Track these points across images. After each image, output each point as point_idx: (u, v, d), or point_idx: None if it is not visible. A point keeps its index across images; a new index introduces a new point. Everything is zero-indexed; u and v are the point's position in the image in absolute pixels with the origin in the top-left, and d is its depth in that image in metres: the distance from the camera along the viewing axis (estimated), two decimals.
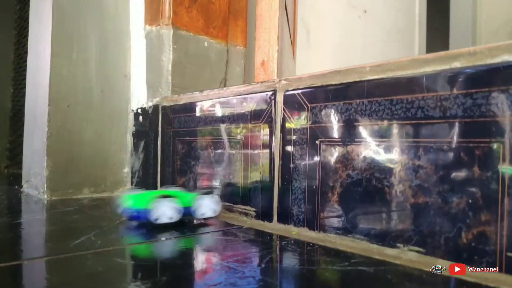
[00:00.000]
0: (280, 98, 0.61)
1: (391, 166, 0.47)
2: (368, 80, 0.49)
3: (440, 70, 0.42)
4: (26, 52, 1.07)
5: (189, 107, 0.80)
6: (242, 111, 0.68)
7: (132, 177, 0.98)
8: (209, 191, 0.66)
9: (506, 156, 0.37)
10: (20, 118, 1.51)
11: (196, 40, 0.96)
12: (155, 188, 0.89)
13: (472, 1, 1.82)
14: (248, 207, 0.66)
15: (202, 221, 0.64)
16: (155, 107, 0.91)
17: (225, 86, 1.02)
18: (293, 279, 0.39)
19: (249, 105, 0.66)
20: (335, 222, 0.52)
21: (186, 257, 0.47)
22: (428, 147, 0.43)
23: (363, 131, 0.50)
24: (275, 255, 0.48)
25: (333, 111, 0.53)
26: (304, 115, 0.57)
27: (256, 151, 0.65)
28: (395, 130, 0.46)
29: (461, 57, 0.41)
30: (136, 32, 0.99)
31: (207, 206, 0.62)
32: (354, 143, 0.51)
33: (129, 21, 1.01)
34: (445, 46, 1.97)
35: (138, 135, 0.96)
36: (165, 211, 0.58)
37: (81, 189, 0.91)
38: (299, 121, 0.58)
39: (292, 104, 0.59)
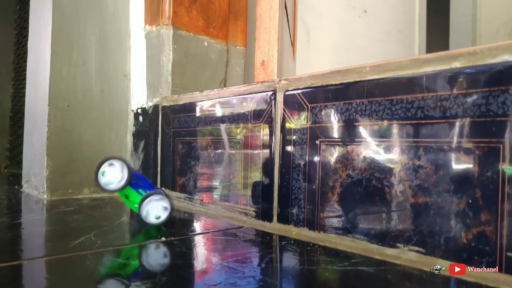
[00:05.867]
0: (280, 98, 0.61)
1: (391, 166, 0.47)
2: (368, 80, 0.49)
3: (440, 70, 0.42)
4: (26, 52, 1.07)
5: (189, 107, 0.80)
6: (242, 111, 0.68)
7: None
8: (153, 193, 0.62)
9: (506, 156, 0.37)
10: (20, 118, 1.51)
11: (196, 40, 0.96)
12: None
13: (472, 1, 1.82)
14: (248, 207, 0.66)
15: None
16: (155, 107, 0.91)
17: (225, 86, 1.02)
18: (293, 279, 0.39)
19: (249, 105, 0.66)
20: (335, 222, 0.52)
21: (186, 257, 0.47)
22: (428, 147, 0.43)
23: (363, 131, 0.50)
24: (275, 255, 0.48)
25: (333, 111, 0.53)
26: (304, 115, 0.57)
27: (256, 151, 0.65)
28: (395, 130, 0.46)
29: (461, 57, 0.41)
30: (136, 32, 0.99)
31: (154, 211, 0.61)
32: (354, 143, 0.51)
33: (129, 21, 1.01)
34: (445, 46, 1.97)
35: (138, 135, 0.97)
36: None
37: (81, 189, 0.91)
38: (299, 121, 0.58)
39: (292, 104, 0.59)
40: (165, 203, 0.61)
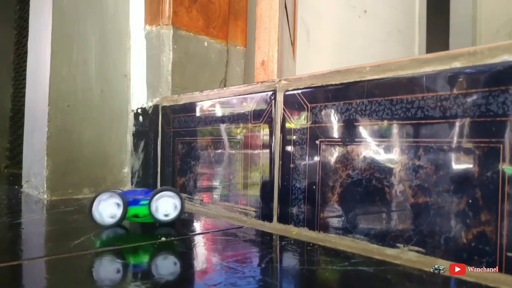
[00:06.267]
0: (280, 98, 0.61)
1: (391, 166, 0.47)
2: (368, 80, 0.49)
3: (440, 70, 0.42)
4: (26, 52, 1.07)
5: (189, 107, 0.80)
6: (242, 111, 0.68)
7: (132, 177, 0.98)
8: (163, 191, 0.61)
9: (506, 156, 0.37)
10: (20, 118, 1.51)
11: (196, 40, 0.96)
12: (155, 187, 0.89)
13: (472, 1, 1.82)
14: (248, 207, 0.66)
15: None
16: (155, 107, 0.91)
17: (225, 86, 1.02)
18: (293, 279, 0.39)
19: (249, 105, 0.66)
20: (335, 222, 0.52)
21: (186, 257, 0.47)
22: (428, 147, 0.43)
23: (363, 131, 0.50)
24: (275, 255, 0.48)
25: (333, 111, 0.53)
26: (304, 115, 0.57)
27: (256, 151, 0.65)
28: (395, 130, 0.46)
29: (461, 57, 0.41)
30: (136, 32, 0.99)
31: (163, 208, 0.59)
32: (354, 143, 0.51)
33: (129, 21, 1.01)
34: (445, 46, 1.97)
35: (138, 135, 0.97)
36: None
37: (81, 189, 0.91)
38: (299, 121, 0.58)
39: (292, 104, 0.59)
40: (176, 201, 0.59)
